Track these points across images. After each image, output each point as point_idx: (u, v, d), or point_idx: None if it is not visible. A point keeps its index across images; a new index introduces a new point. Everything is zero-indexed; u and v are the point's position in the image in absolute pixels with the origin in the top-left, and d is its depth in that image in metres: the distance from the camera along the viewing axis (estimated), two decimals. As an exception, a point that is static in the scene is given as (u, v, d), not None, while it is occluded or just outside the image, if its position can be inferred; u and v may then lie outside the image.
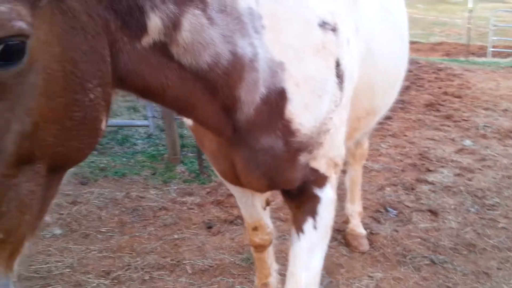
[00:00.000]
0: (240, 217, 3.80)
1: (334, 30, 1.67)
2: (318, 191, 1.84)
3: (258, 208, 2.48)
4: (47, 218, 2.85)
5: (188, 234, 3.79)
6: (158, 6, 1.24)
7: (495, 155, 5.54)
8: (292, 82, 1.57)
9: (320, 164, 1.77)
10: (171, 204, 4.25)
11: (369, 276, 3.29)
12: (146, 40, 1.26)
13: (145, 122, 5.83)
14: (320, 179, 1.82)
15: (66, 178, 1.34)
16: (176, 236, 3.74)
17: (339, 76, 1.70)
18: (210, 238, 3.75)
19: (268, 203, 2.58)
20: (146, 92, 1.37)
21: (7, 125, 1.00)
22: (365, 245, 3.56)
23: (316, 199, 1.85)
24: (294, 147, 1.66)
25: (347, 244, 3.57)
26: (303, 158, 1.71)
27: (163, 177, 4.77)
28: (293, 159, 1.70)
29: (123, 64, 1.24)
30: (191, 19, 1.31)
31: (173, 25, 1.28)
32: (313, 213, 1.85)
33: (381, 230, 3.87)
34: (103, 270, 3.27)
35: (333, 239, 3.07)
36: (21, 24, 0.94)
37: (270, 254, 2.75)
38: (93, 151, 3.35)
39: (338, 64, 1.69)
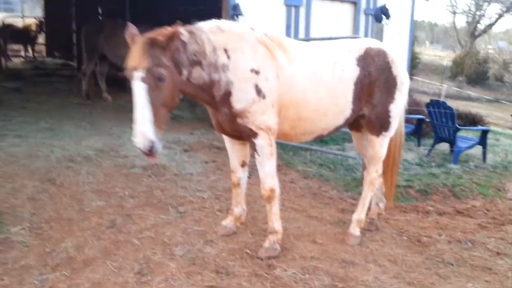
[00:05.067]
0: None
1: (257, 72, 3.85)
2: (254, 140, 3.98)
3: (235, 160, 4.53)
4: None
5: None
6: (185, 67, 3.60)
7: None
8: (235, 89, 3.79)
9: (252, 127, 3.90)
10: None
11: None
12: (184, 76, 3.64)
13: (354, 155, 7.61)
14: (254, 134, 3.94)
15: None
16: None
17: (258, 91, 3.84)
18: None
19: (244, 163, 4.56)
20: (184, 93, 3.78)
21: None
22: (351, 242, 4.59)
23: (253, 144, 4.00)
24: (233, 114, 3.85)
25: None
26: (240, 120, 3.87)
27: (348, 187, 6.57)
28: (235, 119, 3.88)
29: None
30: (196, 70, 3.69)
31: (189, 72, 3.65)
32: (255, 149, 4.02)
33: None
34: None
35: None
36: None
37: (239, 194, 4.62)
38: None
39: (257, 86, 3.84)
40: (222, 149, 7.81)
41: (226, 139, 4.47)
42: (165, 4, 15.43)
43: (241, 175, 4.57)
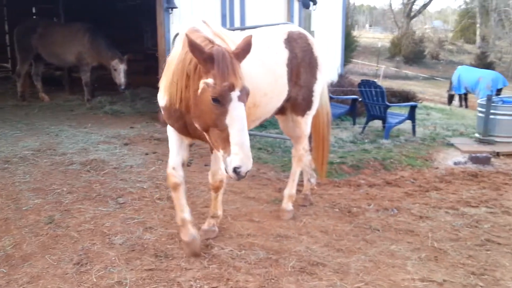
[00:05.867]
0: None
1: None
2: None
3: (180, 159, 3.96)
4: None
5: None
6: None
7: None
8: None
9: None
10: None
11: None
12: None
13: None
14: None
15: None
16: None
17: None
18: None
19: (184, 163, 4.03)
20: None
21: None
22: (285, 216, 4.85)
23: None
24: None
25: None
26: None
27: (285, 167, 6.67)
28: None
29: None
30: None
31: None
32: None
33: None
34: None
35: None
36: None
37: (183, 195, 3.95)
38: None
39: None
40: (162, 140, 7.91)
41: (176, 138, 4.03)
42: (101, 1, 15.15)
43: (182, 173, 4.06)
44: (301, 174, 5.27)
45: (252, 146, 7.64)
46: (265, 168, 6.74)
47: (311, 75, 4.73)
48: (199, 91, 3.14)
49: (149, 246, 4.19)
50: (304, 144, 4.97)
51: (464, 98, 19.51)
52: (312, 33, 7.75)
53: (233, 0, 10.64)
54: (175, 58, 3.55)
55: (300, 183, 5.36)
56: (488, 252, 4.30)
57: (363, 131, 9.29)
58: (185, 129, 3.82)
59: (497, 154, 7.83)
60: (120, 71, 10.42)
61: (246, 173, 3.08)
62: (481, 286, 3.70)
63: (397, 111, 10.15)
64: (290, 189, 5.01)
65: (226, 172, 3.11)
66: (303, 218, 4.93)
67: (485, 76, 18.25)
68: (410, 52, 39.74)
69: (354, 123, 9.91)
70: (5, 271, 3.78)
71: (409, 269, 3.94)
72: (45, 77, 12.09)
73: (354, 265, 3.97)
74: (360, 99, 9.83)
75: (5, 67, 17.89)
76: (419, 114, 10.85)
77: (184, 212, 4.01)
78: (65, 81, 13.00)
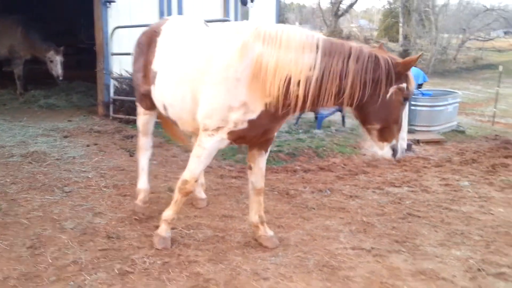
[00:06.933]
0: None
1: None
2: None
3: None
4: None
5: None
6: None
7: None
8: None
9: None
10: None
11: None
12: None
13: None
14: None
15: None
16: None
17: None
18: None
19: None
20: None
21: None
22: (200, 205, 5.05)
23: (271, 139, 4.13)
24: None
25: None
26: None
27: (225, 155, 7.13)
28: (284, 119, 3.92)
29: None
30: None
31: None
32: (269, 144, 4.16)
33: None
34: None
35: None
36: None
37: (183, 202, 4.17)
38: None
39: None
40: (102, 133, 8.00)
41: (212, 158, 4.00)
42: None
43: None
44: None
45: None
46: (207, 157, 7.03)
47: None
48: (388, 95, 3.44)
49: (100, 229, 4.38)
50: None
51: (388, 92, 20.64)
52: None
53: (171, -3, 10.80)
54: (277, 66, 3.41)
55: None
56: (410, 223, 4.87)
57: (297, 122, 9.82)
58: (257, 136, 3.87)
59: (417, 142, 8.60)
60: (57, 63, 10.28)
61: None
62: (403, 251, 4.22)
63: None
64: (201, 179, 5.15)
65: (392, 156, 3.67)
66: (246, 201, 5.28)
67: (407, 72, 19.43)
68: (338, 50, 41.27)
69: (288, 115, 10.39)
70: (-44, 257, 3.84)
71: (341, 240, 4.41)
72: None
73: (294, 239, 4.38)
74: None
75: None
76: (348, 106, 11.54)
77: (177, 214, 4.24)
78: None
